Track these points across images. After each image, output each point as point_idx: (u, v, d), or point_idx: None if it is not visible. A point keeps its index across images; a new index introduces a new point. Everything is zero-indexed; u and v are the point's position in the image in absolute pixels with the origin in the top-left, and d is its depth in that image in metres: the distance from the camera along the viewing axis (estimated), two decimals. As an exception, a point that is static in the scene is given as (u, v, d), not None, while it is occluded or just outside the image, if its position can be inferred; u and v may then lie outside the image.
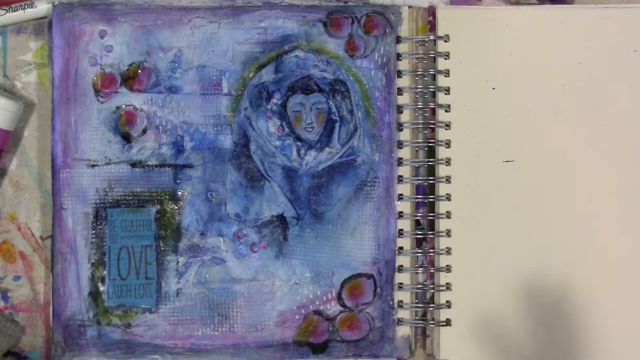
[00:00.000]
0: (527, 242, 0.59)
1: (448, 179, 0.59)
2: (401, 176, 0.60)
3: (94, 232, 0.59)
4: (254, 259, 0.59)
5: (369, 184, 0.60)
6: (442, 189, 0.59)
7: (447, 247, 0.59)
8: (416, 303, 0.60)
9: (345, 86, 0.60)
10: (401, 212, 0.59)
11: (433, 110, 0.60)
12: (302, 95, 0.60)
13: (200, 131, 0.60)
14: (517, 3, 0.62)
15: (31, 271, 0.61)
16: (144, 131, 0.60)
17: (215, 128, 0.60)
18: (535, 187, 0.59)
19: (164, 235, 0.59)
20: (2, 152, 0.59)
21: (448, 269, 0.59)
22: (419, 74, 0.60)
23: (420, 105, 0.60)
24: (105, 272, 0.59)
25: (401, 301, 0.59)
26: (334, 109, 0.60)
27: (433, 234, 0.60)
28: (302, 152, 0.60)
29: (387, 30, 0.60)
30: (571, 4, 0.62)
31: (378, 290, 0.59)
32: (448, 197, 0.59)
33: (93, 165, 0.59)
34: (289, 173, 0.60)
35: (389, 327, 0.59)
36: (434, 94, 0.60)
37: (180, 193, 0.59)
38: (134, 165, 0.59)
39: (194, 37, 0.60)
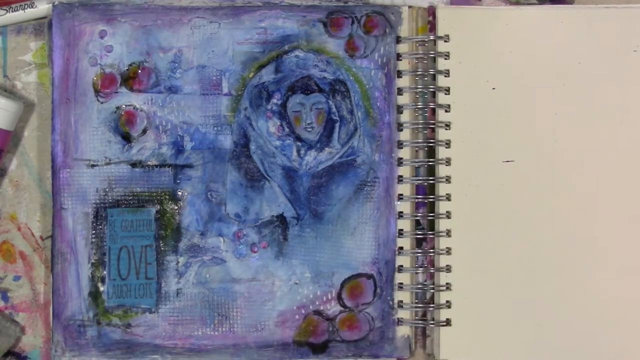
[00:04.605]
0: (527, 242, 0.59)
1: (448, 179, 0.59)
2: (401, 176, 0.60)
3: (94, 232, 0.59)
4: (254, 259, 0.59)
5: (369, 184, 0.60)
6: (442, 189, 0.59)
7: (447, 247, 0.59)
8: (416, 303, 0.60)
9: (345, 86, 0.60)
10: (401, 212, 0.59)
11: (433, 110, 0.60)
12: (302, 95, 0.60)
13: (200, 131, 0.60)
14: (517, 3, 0.62)
15: (31, 271, 0.61)
16: (144, 131, 0.60)
17: (215, 128, 0.60)
18: (535, 187, 0.59)
19: (164, 235, 0.59)
20: (2, 152, 0.59)
21: (448, 269, 0.59)
22: (419, 74, 0.60)
23: (420, 105, 0.60)
24: (105, 272, 0.59)
25: (401, 301, 0.59)
26: (334, 109, 0.60)
27: (433, 234, 0.60)
28: (302, 152, 0.60)
29: (387, 30, 0.60)
30: (571, 4, 0.62)
31: (378, 290, 0.59)
32: (448, 197, 0.59)
33: (93, 165, 0.59)
34: (289, 173, 0.60)
35: (389, 327, 0.59)
36: (434, 94, 0.60)
37: (180, 193, 0.59)
38: (134, 165, 0.59)
39: (194, 37, 0.60)
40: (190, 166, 0.59)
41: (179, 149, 0.60)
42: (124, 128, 0.60)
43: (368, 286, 0.59)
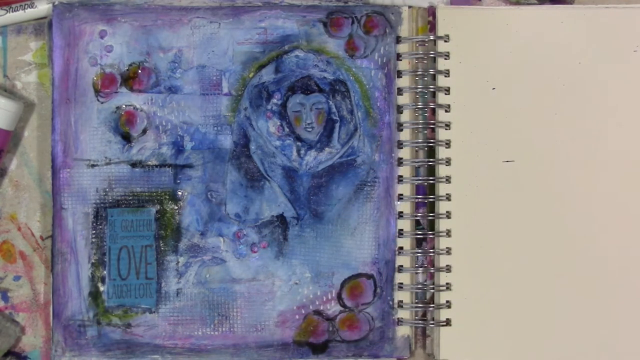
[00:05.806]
0: (527, 241, 0.59)
1: (448, 179, 0.59)
2: (401, 176, 0.60)
3: (94, 232, 0.59)
4: (254, 259, 0.59)
5: (369, 184, 0.60)
6: (442, 189, 0.59)
7: (447, 247, 0.59)
8: (416, 303, 0.60)
9: (345, 86, 0.60)
10: (401, 212, 0.59)
11: (433, 110, 0.60)
12: (302, 95, 0.60)
13: (200, 131, 0.60)
14: (517, 3, 0.62)
15: (31, 271, 0.61)
16: (144, 131, 0.60)
17: (215, 128, 0.60)
18: (535, 187, 0.59)
19: (164, 235, 0.59)
20: (2, 152, 0.59)
21: (448, 269, 0.59)
22: (419, 74, 0.60)
23: (420, 105, 0.60)
24: (105, 272, 0.59)
25: (401, 301, 0.59)
26: (334, 109, 0.60)
27: (433, 234, 0.60)
28: (302, 152, 0.60)
29: (387, 30, 0.60)
30: (571, 4, 0.62)
31: (378, 290, 0.59)
32: (448, 197, 0.59)
33: (93, 165, 0.59)
34: (289, 173, 0.60)
35: (389, 327, 0.59)
36: (434, 94, 0.60)
37: (180, 193, 0.59)
38: (134, 165, 0.59)
39: (194, 37, 0.60)
40: (190, 166, 0.59)
41: (179, 149, 0.60)
42: (124, 128, 0.60)
43: (368, 286, 0.59)
